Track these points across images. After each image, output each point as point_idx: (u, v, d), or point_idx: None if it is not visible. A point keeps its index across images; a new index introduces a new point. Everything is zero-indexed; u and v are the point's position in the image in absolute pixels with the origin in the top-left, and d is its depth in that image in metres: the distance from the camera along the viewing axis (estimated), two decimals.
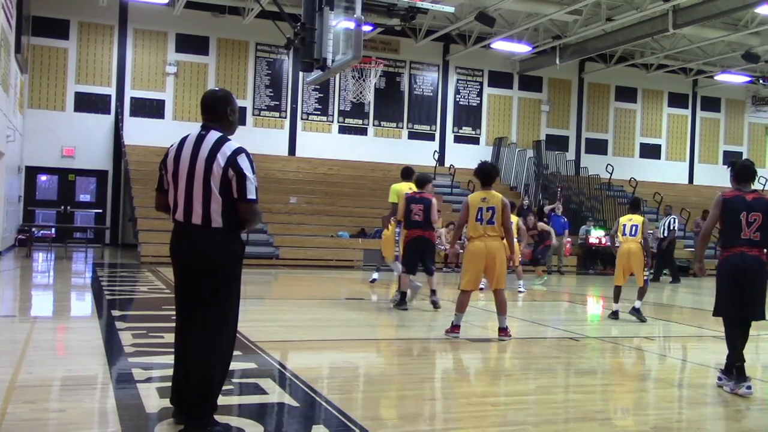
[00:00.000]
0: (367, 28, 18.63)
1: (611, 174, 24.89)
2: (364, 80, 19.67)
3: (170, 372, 4.28)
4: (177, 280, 4.22)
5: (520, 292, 13.10)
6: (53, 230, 20.43)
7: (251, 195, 4.03)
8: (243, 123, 22.52)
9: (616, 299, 10.10)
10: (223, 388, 4.24)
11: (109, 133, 21.98)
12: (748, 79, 27.55)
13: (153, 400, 4.67)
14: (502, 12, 21.45)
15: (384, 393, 5.47)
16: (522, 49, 24.18)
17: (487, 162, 8.45)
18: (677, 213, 21.83)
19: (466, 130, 26.09)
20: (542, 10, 20.43)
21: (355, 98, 22.08)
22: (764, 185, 25.50)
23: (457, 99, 25.96)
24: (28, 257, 16.68)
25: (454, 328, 7.71)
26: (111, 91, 22.01)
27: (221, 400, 4.20)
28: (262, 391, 5.12)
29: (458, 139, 25.96)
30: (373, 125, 24.89)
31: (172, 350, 4.29)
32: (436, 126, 25.67)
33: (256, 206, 4.09)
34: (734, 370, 5.56)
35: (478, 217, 7.62)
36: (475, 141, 26.20)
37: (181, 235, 4.14)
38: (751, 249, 5.65)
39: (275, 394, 5.12)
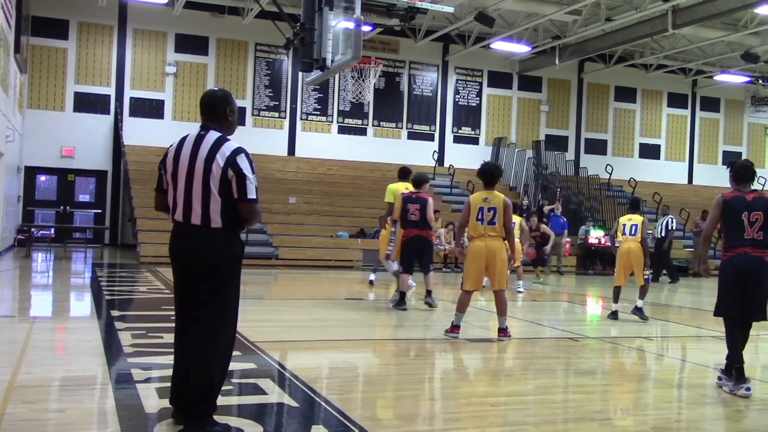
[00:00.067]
0: (366, 28, 18.63)
1: (611, 174, 24.90)
2: (363, 80, 19.68)
3: (169, 372, 4.27)
4: (176, 280, 4.22)
5: (519, 292, 13.10)
6: (52, 230, 20.42)
7: (251, 195, 4.03)
8: (242, 123, 22.52)
9: (616, 299, 10.11)
10: (223, 388, 4.23)
11: (108, 133, 21.98)
12: (747, 79, 27.57)
13: (152, 400, 4.67)
14: (501, 12, 21.46)
15: (383, 393, 5.47)
16: (521, 49, 24.19)
17: (490, 162, 8.48)
18: (675, 213, 21.83)
19: (466, 131, 26.09)
20: (542, 10, 20.44)
21: (354, 98, 22.09)
22: (763, 185, 25.51)
23: (457, 99, 25.97)
24: (28, 257, 16.67)
25: (454, 328, 7.71)
26: (110, 91, 22.01)
27: (220, 401, 4.20)
28: (262, 392, 5.12)
29: (457, 140, 25.96)
30: (373, 125, 24.90)
31: (172, 350, 4.29)
32: (436, 126, 25.68)
33: (257, 206, 4.09)
34: (733, 371, 5.56)
35: (479, 217, 7.62)
36: (474, 141, 26.20)
37: (181, 236, 4.14)
38: (754, 249, 5.63)
39: (274, 394, 5.12)
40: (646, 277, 10.00)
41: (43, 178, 22.28)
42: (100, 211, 22.11)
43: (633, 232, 9.93)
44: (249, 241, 16.36)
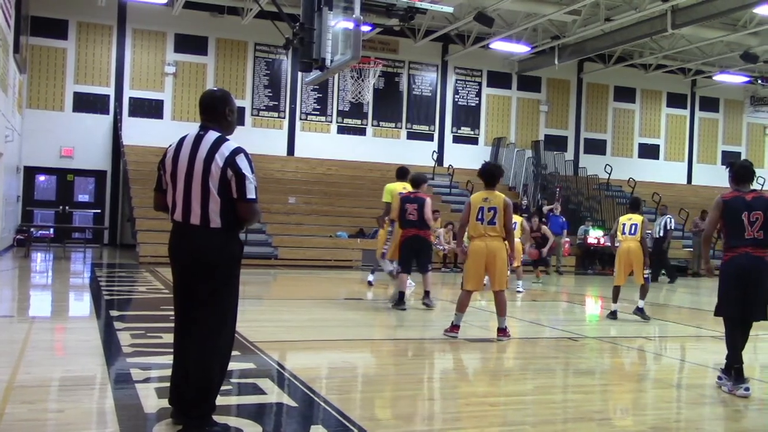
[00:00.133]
0: (365, 28, 18.63)
1: (610, 174, 24.90)
2: (362, 80, 19.67)
3: (169, 372, 4.27)
4: (175, 280, 4.22)
5: (518, 292, 13.11)
6: (52, 230, 20.41)
7: (251, 195, 4.03)
8: (242, 123, 22.53)
9: (615, 299, 10.12)
10: (222, 388, 4.23)
11: (107, 133, 21.97)
12: (746, 79, 27.58)
13: (151, 400, 4.67)
14: (500, 12, 21.46)
15: (382, 393, 5.48)
16: (521, 49, 24.19)
17: (491, 163, 8.49)
18: (674, 213, 21.83)
19: (465, 131, 26.10)
20: (541, 10, 20.44)
21: (353, 98, 22.08)
22: (762, 185, 25.53)
23: (456, 99, 25.97)
24: (27, 257, 16.67)
25: (454, 327, 7.71)
26: (110, 91, 22.00)
27: (220, 400, 4.20)
28: (261, 391, 5.12)
29: (457, 140, 25.96)
30: (372, 125, 24.90)
31: (171, 350, 4.29)
32: (435, 126, 25.68)
33: (256, 206, 4.09)
34: (733, 371, 5.56)
35: (479, 216, 7.62)
36: (473, 141, 26.21)
37: (180, 236, 4.14)
38: (756, 249, 5.62)
39: (274, 394, 5.12)
40: (645, 276, 10.01)
41: (42, 178, 22.27)
42: (99, 211, 22.10)
43: (633, 232, 9.96)
44: (248, 241, 16.37)
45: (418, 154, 24.44)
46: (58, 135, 21.31)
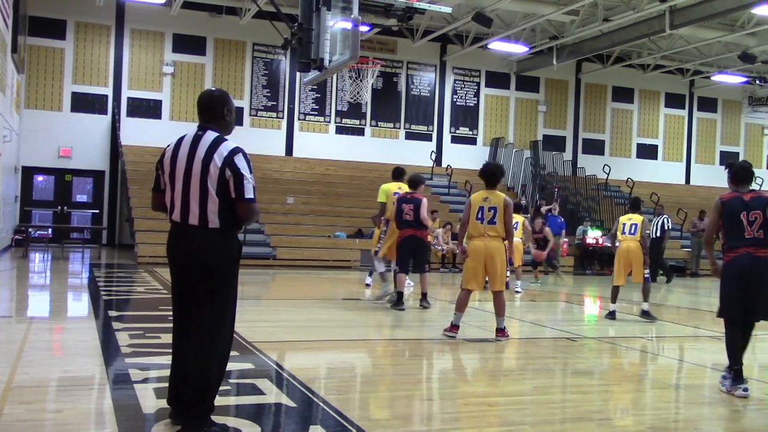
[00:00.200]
0: (364, 28, 18.63)
1: (608, 174, 24.93)
2: (361, 80, 19.67)
3: (167, 372, 4.27)
4: (174, 280, 4.21)
5: (517, 292, 13.12)
6: (50, 230, 20.39)
7: (249, 194, 4.03)
8: (240, 123, 22.54)
9: (614, 299, 10.12)
10: (221, 388, 4.23)
11: (105, 133, 21.96)
12: (744, 79, 27.60)
13: (150, 400, 4.66)
14: (499, 12, 21.47)
15: (381, 393, 5.47)
16: (519, 49, 24.20)
17: (492, 163, 8.48)
18: (672, 213, 21.84)
19: (464, 131, 26.10)
20: (539, 10, 20.45)
21: (352, 98, 22.10)
22: (761, 185, 25.55)
23: (455, 99, 25.97)
24: (25, 257, 16.65)
25: (453, 327, 7.71)
26: (108, 91, 21.99)
27: (218, 401, 4.19)
28: (260, 392, 5.11)
29: (455, 140, 25.97)
30: (371, 125, 24.90)
31: (170, 351, 4.29)
32: (434, 126, 25.68)
33: (254, 206, 4.09)
34: (732, 372, 5.55)
35: (479, 216, 7.62)
36: (472, 141, 26.21)
37: (178, 236, 4.14)
38: (758, 249, 5.60)
39: (272, 394, 5.12)
40: (645, 276, 10.01)
41: (40, 178, 22.25)
42: (97, 211, 22.09)
43: (633, 232, 9.98)
44: (247, 242, 16.35)
45: (417, 155, 24.45)
46: (56, 135, 21.29)
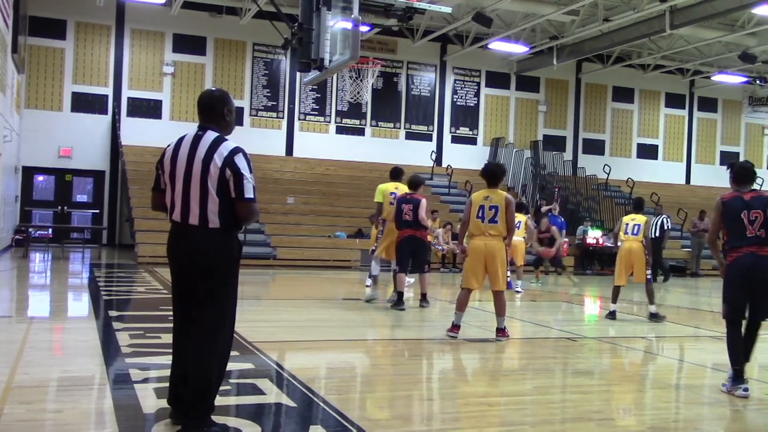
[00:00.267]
0: (364, 28, 18.62)
1: (608, 174, 24.92)
2: (361, 80, 19.67)
3: (167, 372, 4.27)
4: (174, 280, 4.22)
5: (517, 292, 13.12)
6: (50, 230, 20.39)
7: (249, 194, 4.03)
8: (240, 123, 22.54)
9: (615, 300, 10.12)
10: (221, 388, 4.23)
11: (106, 133, 21.96)
12: (745, 79, 27.60)
13: (150, 400, 4.67)
14: (499, 12, 21.46)
15: (381, 393, 5.47)
16: (519, 49, 24.20)
17: (493, 162, 8.49)
18: (672, 213, 21.84)
19: (464, 131, 26.10)
20: (539, 10, 20.45)
21: (352, 98, 22.09)
22: (761, 185, 25.55)
23: (455, 99, 25.97)
24: (25, 257, 16.65)
25: (454, 327, 7.70)
26: (108, 91, 21.99)
27: (218, 401, 4.20)
28: (260, 392, 5.12)
29: (455, 140, 25.97)
30: (371, 125, 24.90)
31: (170, 351, 4.29)
32: (434, 126, 25.68)
33: (254, 205, 4.09)
34: (732, 372, 5.55)
35: (480, 214, 7.62)
36: (472, 141, 26.21)
37: (178, 236, 4.14)
38: (761, 248, 5.59)
39: (272, 394, 5.12)
40: (648, 277, 10.00)
41: (40, 178, 22.25)
42: (97, 211, 22.09)
43: (635, 232, 9.97)
44: (247, 241, 16.35)
45: (417, 154, 24.46)
46: (56, 135, 21.29)
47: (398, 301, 9.96)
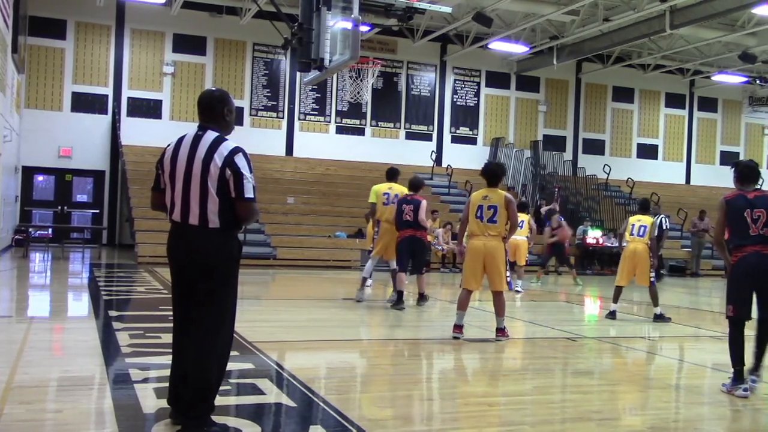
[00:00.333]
0: (364, 28, 18.62)
1: (608, 174, 24.92)
2: (361, 80, 19.67)
3: (167, 372, 4.27)
4: (174, 280, 4.22)
5: (517, 292, 13.12)
6: (50, 230, 20.39)
7: (249, 194, 4.03)
8: (240, 123, 22.54)
9: (616, 299, 10.11)
10: (221, 388, 4.23)
11: (106, 133, 21.96)
12: (745, 79, 27.59)
13: (150, 400, 4.67)
14: (499, 12, 21.46)
15: (381, 393, 5.47)
16: (519, 49, 24.20)
17: (494, 162, 8.48)
18: (672, 213, 21.84)
19: (464, 131, 26.10)
20: (539, 10, 20.45)
21: (352, 98, 22.09)
22: (761, 185, 25.50)
23: (455, 99, 25.97)
24: (25, 257, 16.65)
25: (456, 328, 7.69)
26: (108, 91, 21.99)
27: (218, 401, 4.20)
28: (260, 392, 5.12)
29: (455, 140, 25.96)
30: (371, 125, 24.89)
31: (170, 350, 4.29)
32: (434, 126, 25.68)
33: (254, 205, 4.09)
34: (734, 372, 5.54)
35: (478, 214, 7.63)
36: (472, 141, 26.21)
37: (178, 236, 4.14)
38: (765, 247, 5.56)
39: (272, 394, 5.12)
40: (651, 279, 9.98)
41: (40, 178, 22.24)
42: (97, 211, 22.08)
43: (641, 233, 9.95)
44: (247, 241, 16.35)
45: (417, 154, 24.46)
46: (56, 135, 21.29)
47: (398, 301, 9.99)
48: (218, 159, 4.00)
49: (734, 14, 20.19)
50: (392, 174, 10.89)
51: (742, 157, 26.54)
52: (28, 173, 21.56)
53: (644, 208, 10.47)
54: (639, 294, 12.76)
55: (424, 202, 10.13)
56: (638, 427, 4.80)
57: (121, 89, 22.06)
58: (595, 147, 28.04)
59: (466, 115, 26.14)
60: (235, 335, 4.46)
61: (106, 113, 21.96)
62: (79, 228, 21.50)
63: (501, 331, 7.73)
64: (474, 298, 8.63)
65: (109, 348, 6.47)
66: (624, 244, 10.20)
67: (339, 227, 19.73)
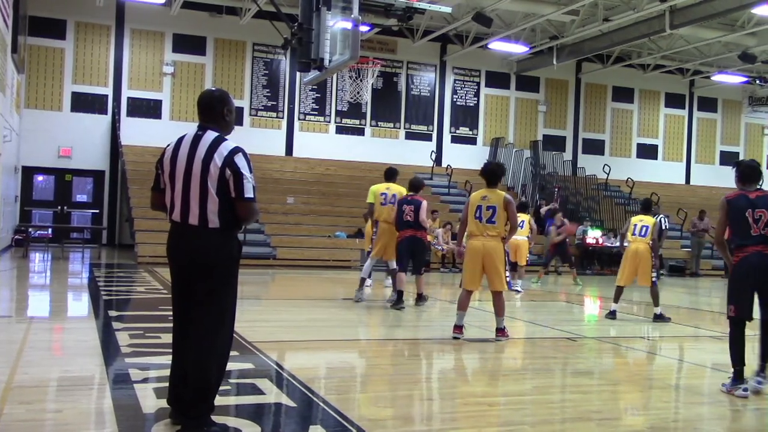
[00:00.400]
0: (364, 28, 18.62)
1: (608, 174, 24.92)
2: (361, 80, 19.67)
3: (167, 372, 4.27)
4: (174, 280, 4.22)
5: (517, 291, 13.13)
6: (50, 230, 20.39)
7: (249, 194, 4.04)
8: (240, 123, 22.54)
9: (616, 299, 10.11)
10: (221, 388, 4.23)
11: (105, 133, 21.95)
12: (744, 79, 27.59)
13: (150, 400, 4.67)
14: (499, 12, 21.46)
15: (381, 393, 5.47)
16: (519, 49, 24.20)
17: (493, 162, 8.48)
18: (669, 213, 21.82)
19: (464, 131, 26.10)
20: (539, 10, 20.45)
21: (352, 98, 22.09)
22: (761, 185, 25.49)
23: (455, 99, 25.97)
24: (25, 257, 16.65)
25: (456, 328, 7.69)
26: (108, 91, 21.98)
27: (218, 401, 4.20)
28: (260, 392, 5.12)
29: (455, 140, 25.96)
30: (371, 125, 24.89)
31: (170, 350, 4.29)
32: (434, 126, 25.68)
33: (254, 205, 4.09)
34: (734, 372, 5.54)
35: (477, 215, 7.63)
36: (472, 141, 26.21)
37: (178, 236, 4.14)
38: (766, 247, 5.56)
39: (272, 394, 5.12)
40: (653, 280, 9.98)
41: (40, 178, 22.24)
42: (97, 211, 22.08)
43: (643, 233, 9.96)
44: (246, 241, 16.35)
45: (417, 154, 24.46)
46: (56, 135, 21.29)
47: (398, 300, 10.00)
48: (218, 159, 4.00)
49: (734, 14, 20.19)
50: (390, 174, 10.89)
51: (741, 157, 26.55)
52: (28, 173, 21.56)
53: (646, 208, 10.48)
54: (639, 294, 12.76)
55: (424, 203, 10.17)
56: (638, 427, 4.81)
57: (120, 89, 22.06)
58: (594, 147, 28.04)
59: (466, 115, 26.14)
60: (234, 335, 4.46)
61: (106, 113, 21.96)
62: (78, 228, 21.50)
63: (501, 331, 7.73)
64: (474, 298, 8.63)
65: (109, 348, 6.46)
66: (626, 244, 10.20)
67: (339, 227, 19.73)
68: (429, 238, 14.78)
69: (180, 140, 4.16)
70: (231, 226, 4.11)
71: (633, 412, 5.30)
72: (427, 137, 25.54)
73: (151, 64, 22.40)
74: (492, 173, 7.79)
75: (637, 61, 26.71)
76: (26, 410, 4.45)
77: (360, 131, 24.77)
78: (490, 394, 5.65)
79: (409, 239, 10.02)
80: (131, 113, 22.16)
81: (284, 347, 7.20)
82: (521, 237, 13.30)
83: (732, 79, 27.50)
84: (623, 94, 28.51)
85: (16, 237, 19.45)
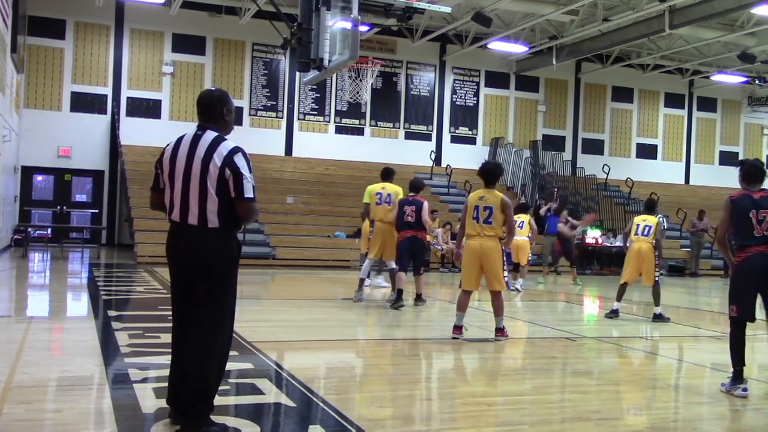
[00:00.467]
0: (363, 28, 18.63)
1: (608, 174, 24.93)
2: (360, 80, 19.67)
3: (166, 372, 4.27)
4: (173, 280, 4.21)
5: (517, 291, 13.13)
6: (49, 230, 20.38)
7: (248, 194, 4.03)
8: (240, 123, 22.53)
9: (619, 298, 10.11)
10: (220, 388, 4.23)
11: (105, 133, 21.95)
12: (744, 79, 27.60)
13: (149, 400, 4.67)
14: (498, 12, 21.46)
15: (380, 393, 5.47)
16: (519, 49, 24.20)
17: (491, 162, 8.49)
18: (666, 213, 21.84)
19: (463, 131, 26.10)
20: (539, 10, 20.45)
21: (351, 98, 22.09)
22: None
23: (454, 99, 25.97)
24: (24, 257, 16.64)
25: (455, 329, 7.68)
26: (107, 91, 21.98)
27: (218, 401, 4.20)
28: (259, 392, 5.12)
29: (455, 140, 25.97)
30: (370, 125, 24.89)
31: (169, 350, 4.29)
32: (433, 126, 25.68)
33: (254, 205, 4.09)
34: (734, 372, 5.54)
35: (475, 215, 7.63)
36: (471, 141, 26.21)
37: (178, 236, 4.14)
38: None
39: (272, 394, 5.12)
40: (656, 279, 9.98)
41: (39, 178, 22.23)
42: (96, 211, 22.07)
43: (646, 233, 9.96)
44: (246, 241, 16.35)
45: (416, 154, 24.46)
46: (55, 135, 21.28)
47: (397, 299, 10.00)
48: (217, 159, 4.00)
49: (733, 14, 20.20)
50: (387, 174, 10.89)
51: (741, 157, 26.57)
52: (28, 173, 21.55)
53: (650, 208, 10.49)
54: (639, 294, 12.77)
55: (426, 203, 10.20)
56: (637, 427, 4.81)
57: (120, 89, 22.06)
58: (594, 147, 28.04)
59: (466, 115, 26.14)
60: (234, 335, 4.46)
61: (106, 113, 21.95)
62: (78, 228, 21.49)
63: (500, 331, 7.73)
64: (473, 299, 8.63)
65: (108, 348, 6.46)
66: (629, 243, 10.21)
67: (338, 227, 19.73)
68: (429, 238, 14.78)
69: (179, 140, 4.16)
70: (230, 226, 4.11)
71: (632, 412, 5.30)
72: (426, 137, 25.54)
73: (151, 63, 22.39)
74: (490, 173, 7.79)
75: (636, 61, 26.72)
76: (25, 410, 4.45)
77: (359, 131, 24.77)
78: (489, 394, 5.65)
79: (409, 239, 10.05)
80: (131, 113, 22.16)
81: (284, 347, 7.20)
82: (522, 237, 13.31)
83: (731, 79, 27.51)
84: (623, 94, 28.51)
85: (15, 237, 19.45)
